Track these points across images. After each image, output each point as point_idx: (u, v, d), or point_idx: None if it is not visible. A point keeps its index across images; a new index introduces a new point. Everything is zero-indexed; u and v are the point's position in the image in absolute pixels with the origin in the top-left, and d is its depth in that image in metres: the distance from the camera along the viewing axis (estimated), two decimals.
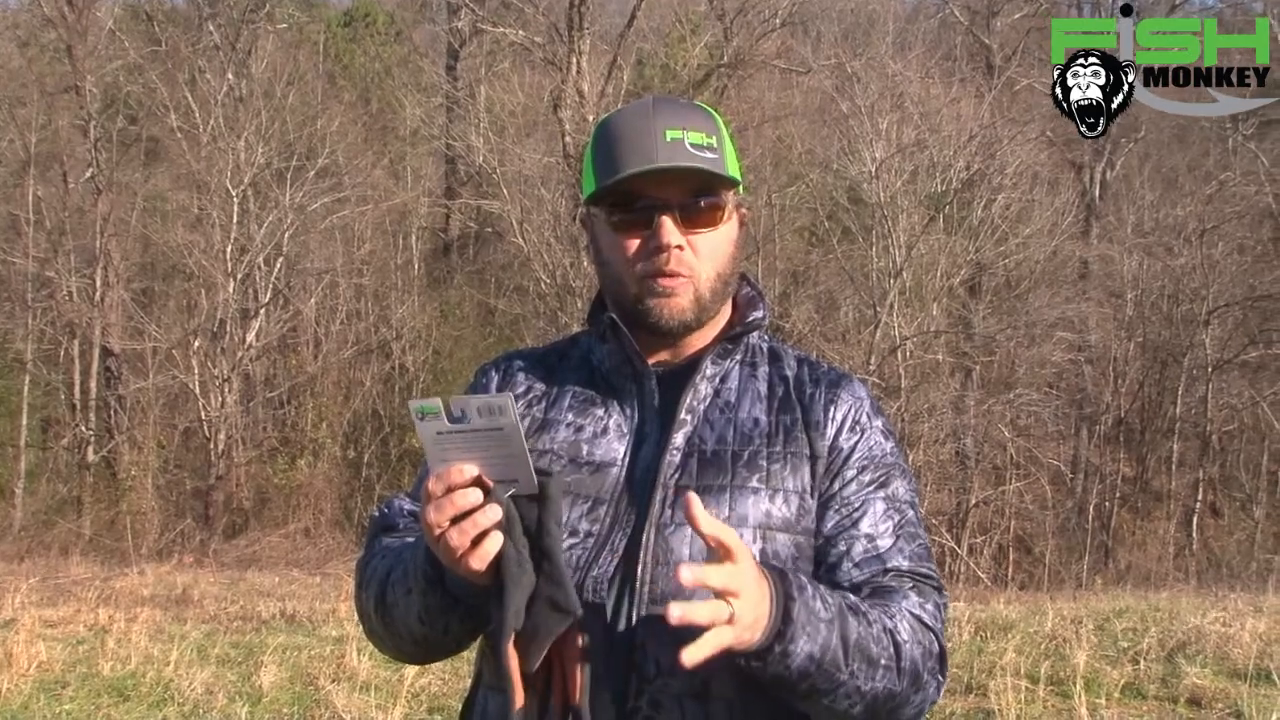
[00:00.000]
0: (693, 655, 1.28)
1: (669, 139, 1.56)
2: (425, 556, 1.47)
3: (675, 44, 25.36)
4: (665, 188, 1.57)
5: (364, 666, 7.46)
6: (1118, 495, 23.64)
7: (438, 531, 1.37)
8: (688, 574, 1.26)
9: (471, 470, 1.36)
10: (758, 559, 1.42)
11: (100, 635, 9.00)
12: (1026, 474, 22.35)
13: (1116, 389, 24.57)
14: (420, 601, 1.51)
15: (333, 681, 7.31)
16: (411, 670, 6.98)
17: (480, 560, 1.37)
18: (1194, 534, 23.07)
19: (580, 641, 1.40)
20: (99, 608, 10.84)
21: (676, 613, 1.27)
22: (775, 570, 1.38)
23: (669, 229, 1.57)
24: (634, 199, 1.58)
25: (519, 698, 1.40)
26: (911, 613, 1.50)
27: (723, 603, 1.29)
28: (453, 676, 7.06)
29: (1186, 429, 24.44)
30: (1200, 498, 23.61)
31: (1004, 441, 21.93)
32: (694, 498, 1.30)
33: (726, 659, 1.36)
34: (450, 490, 1.36)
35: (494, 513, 1.36)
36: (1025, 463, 22.44)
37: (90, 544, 19.90)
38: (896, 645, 1.45)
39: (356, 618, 1.70)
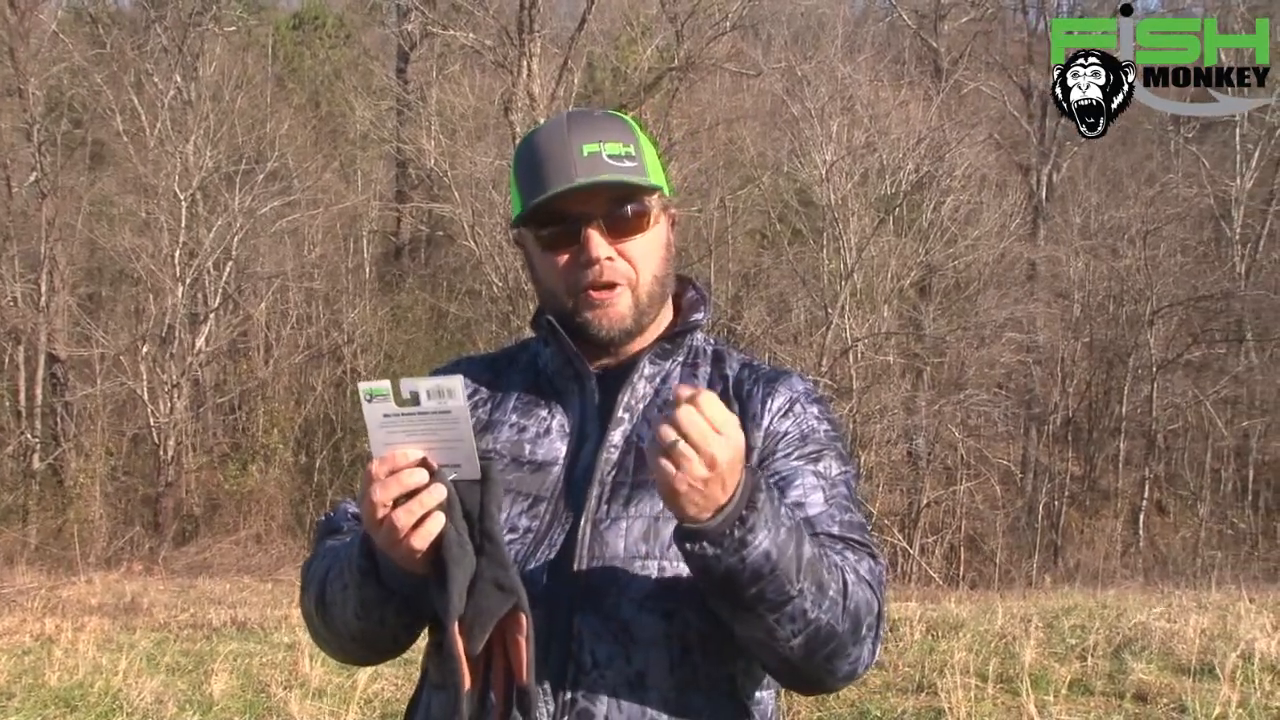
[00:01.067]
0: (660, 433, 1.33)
1: (586, 154, 1.58)
2: (360, 549, 1.49)
3: (626, 47, 25.37)
4: (588, 202, 1.59)
5: (316, 673, 7.41)
6: (1066, 494, 23.93)
7: (381, 513, 1.38)
8: (687, 390, 1.34)
9: (415, 453, 1.38)
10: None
11: (47, 645, 8.89)
12: (977, 474, 22.56)
13: (1064, 389, 24.89)
14: (356, 596, 1.51)
15: (285, 688, 7.26)
16: (364, 676, 6.96)
17: (422, 540, 1.38)
18: (1140, 532, 23.42)
19: (524, 622, 1.41)
20: (45, 617, 10.70)
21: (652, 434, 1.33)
22: (749, 465, 1.39)
23: (596, 242, 1.59)
24: (560, 216, 1.61)
25: (467, 680, 1.42)
26: (852, 566, 1.49)
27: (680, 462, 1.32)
28: (405, 682, 7.02)
29: (1132, 428, 24.80)
30: (1146, 496, 23.98)
31: (955, 442, 22.12)
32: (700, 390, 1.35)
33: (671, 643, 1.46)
34: (394, 472, 1.38)
35: (439, 492, 1.38)
36: (975, 463, 22.65)
37: (36, 553, 19.59)
38: (844, 582, 1.44)
39: (304, 621, 1.70)
